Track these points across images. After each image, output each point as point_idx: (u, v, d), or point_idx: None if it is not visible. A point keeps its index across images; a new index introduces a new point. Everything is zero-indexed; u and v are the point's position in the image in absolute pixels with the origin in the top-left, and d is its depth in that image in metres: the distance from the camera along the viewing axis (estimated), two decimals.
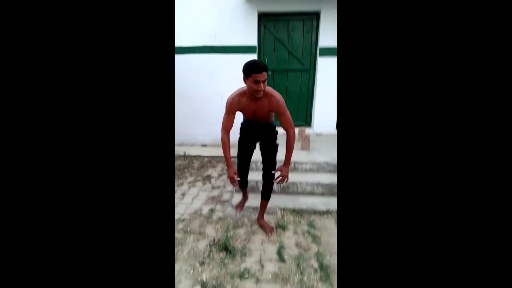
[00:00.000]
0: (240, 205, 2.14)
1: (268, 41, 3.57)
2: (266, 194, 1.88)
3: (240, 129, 1.89)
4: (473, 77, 0.60)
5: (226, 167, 2.91)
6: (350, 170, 0.69)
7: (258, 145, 1.89)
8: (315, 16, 3.42)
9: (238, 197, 2.29)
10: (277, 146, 1.81)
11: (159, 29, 0.69)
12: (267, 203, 1.92)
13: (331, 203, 2.20)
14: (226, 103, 1.62)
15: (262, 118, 1.66)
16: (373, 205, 0.66)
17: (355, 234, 0.68)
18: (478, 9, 0.59)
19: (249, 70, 1.43)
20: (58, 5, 0.63)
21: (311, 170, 2.51)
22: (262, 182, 1.87)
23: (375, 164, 0.67)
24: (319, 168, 2.51)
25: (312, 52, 3.55)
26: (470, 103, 0.61)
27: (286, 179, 1.73)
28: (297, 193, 2.35)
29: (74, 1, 0.64)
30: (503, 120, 0.59)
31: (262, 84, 1.45)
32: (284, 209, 2.14)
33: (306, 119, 3.82)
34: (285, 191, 2.35)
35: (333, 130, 3.68)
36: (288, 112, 1.61)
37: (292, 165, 2.52)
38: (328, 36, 3.39)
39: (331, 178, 2.37)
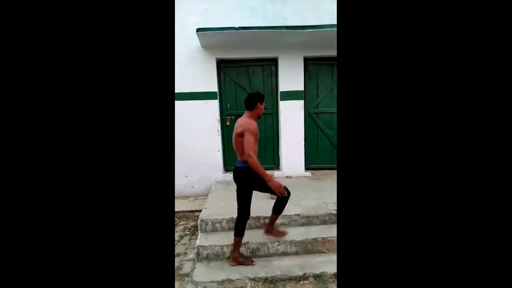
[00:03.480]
0: (271, 226, 2.00)
1: (229, 86, 3.52)
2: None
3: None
4: (471, 103, 0.63)
5: (187, 224, 2.82)
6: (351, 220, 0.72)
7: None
8: (274, 62, 3.48)
9: (200, 269, 1.96)
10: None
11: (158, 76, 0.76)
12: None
13: (307, 264, 1.97)
14: (251, 128, 1.76)
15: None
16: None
17: None
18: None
19: (263, 97, 1.90)
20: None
21: (282, 225, 2.29)
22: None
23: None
24: (290, 221, 2.30)
25: (273, 96, 3.55)
26: (471, 137, 0.63)
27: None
28: (268, 255, 2.08)
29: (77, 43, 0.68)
30: (503, 121, 0.61)
31: None
32: (254, 279, 1.84)
33: (274, 161, 3.69)
34: (255, 254, 2.07)
35: (302, 172, 3.58)
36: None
37: (261, 221, 2.29)
38: (287, 80, 3.44)
39: (304, 233, 2.17)
